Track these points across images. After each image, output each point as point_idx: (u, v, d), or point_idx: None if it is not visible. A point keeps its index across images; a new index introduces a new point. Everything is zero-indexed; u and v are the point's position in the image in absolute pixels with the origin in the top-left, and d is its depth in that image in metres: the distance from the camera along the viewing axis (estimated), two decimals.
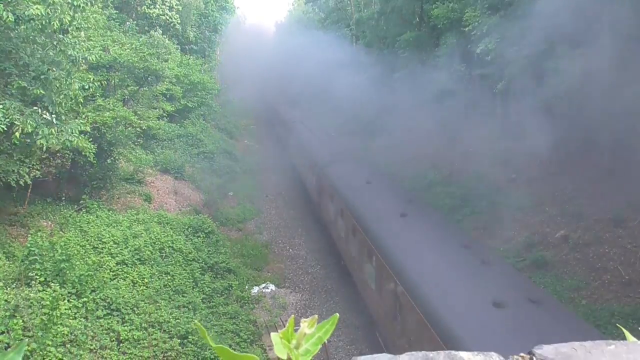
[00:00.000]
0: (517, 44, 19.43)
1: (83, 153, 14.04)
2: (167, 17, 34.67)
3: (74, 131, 11.23)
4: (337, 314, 0.87)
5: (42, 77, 10.65)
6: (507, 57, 20.06)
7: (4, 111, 9.56)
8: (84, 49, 11.66)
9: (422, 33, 34.28)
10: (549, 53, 18.42)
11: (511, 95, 23.76)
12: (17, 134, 9.71)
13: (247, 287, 16.42)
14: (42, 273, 10.75)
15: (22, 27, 10.07)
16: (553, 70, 17.70)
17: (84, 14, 11.24)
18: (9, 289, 10.02)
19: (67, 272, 11.07)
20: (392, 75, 38.79)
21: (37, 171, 13.03)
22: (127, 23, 28.98)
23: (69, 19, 10.36)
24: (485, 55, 21.12)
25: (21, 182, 11.56)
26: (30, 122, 9.82)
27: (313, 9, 74.73)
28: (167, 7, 34.90)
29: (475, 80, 27.52)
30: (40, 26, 9.99)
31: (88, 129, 12.24)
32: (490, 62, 21.74)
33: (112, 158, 18.29)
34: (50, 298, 9.78)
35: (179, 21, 36.11)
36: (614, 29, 16.15)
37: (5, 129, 9.62)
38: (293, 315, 0.91)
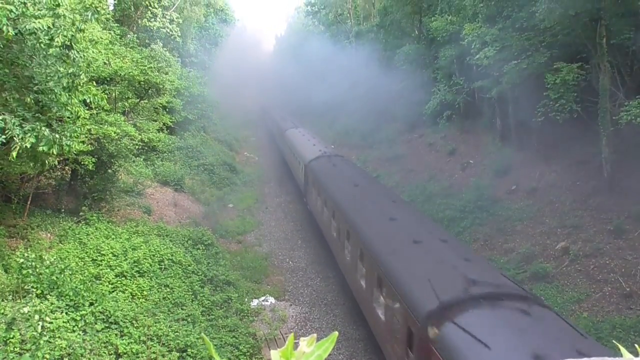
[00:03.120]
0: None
1: (83, 163, 14.03)
2: (168, 30, 34.86)
3: (73, 135, 11.22)
4: (337, 332, 0.86)
5: (42, 93, 10.70)
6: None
7: (2, 124, 9.56)
8: (85, 66, 11.70)
9: (421, 46, 34.47)
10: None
11: (509, 107, 23.86)
12: (14, 153, 9.72)
13: (246, 299, 16.33)
14: (39, 286, 10.71)
15: (28, 42, 10.10)
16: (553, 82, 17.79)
17: (85, 34, 11.29)
18: (5, 301, 9.97)
19: (61, 284, 11.01)
20: (391, 88, 38.96)
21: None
22: (128, 36, 29.13)
23: (71, 36, 10.41)
24: (484, 61, 21.18)
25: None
26: (30, 139, 9.83)
27: (313, 22, 75.22)
28: (168, 20, 35.12)
29: (474, 92, 27.65)
30: (44, 41, 10.03)
31: (84, 144, 12.24)
32: (488, 68, 21.84)
33: (112, 170, 18.30)
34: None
35: (180, 34, 36.31)
36: None
37: (5, 142, 9.63)
38: (292, 333, 0.90)
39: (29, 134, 9.77)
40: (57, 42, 10.11)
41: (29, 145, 9.73)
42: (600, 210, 17.12)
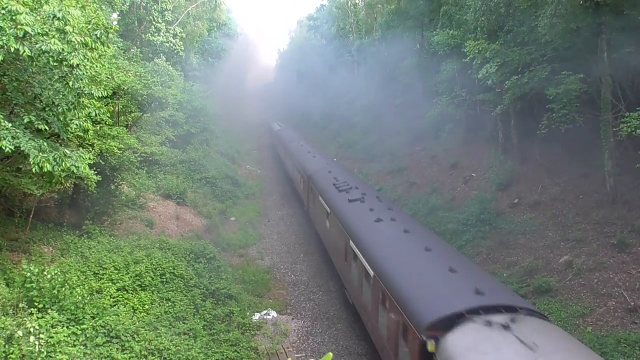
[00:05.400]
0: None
1: (85, 182, 14.08)
2: (171, 45, 35.19)
3: (78, 159, 11.28)
4: (331, 354, 0.86)
5: (47, 109, 10.79)
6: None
7: (13, 133, 9.68)
8: (90, 81, 11.79)
9: (423, 59, 34.64)
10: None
11: (511, 120, 23.90)
12: (33, 168, 9.94)
13: (248, 313, 16.25)
14: (40, 300, 10.69)
15: (38, 61, 10.21)
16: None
17: (94, 53, 11.40)
18: (6, 316, 9.94)
19: (62, 298, 10.99)
20: (393, 101, 39.09)
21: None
22: (132, 50, 29.41)
23: (81, 59, 10.51)
24: (487, 80, 21.29)
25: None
26: (44, 157, 10.00)
27: (315, 36, 75.82)
28: (171, 35, 35.47)
29: (476, 105, 27.70)
30: (55, 61, 10.13)
31: (91, 159, 12.30)
32: (491, 86, 21.93)
33: (115, 184, 18.32)
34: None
35: (183, 48, 36.64)
36: None
37: (13, 149, 9.70)
38: (290, 359, 0.91)
39: (40, 154, 9.94)
40: (69, 63, 10.22)
41: (38, 170, 9.87)
42: (603, 223, 17.04)
